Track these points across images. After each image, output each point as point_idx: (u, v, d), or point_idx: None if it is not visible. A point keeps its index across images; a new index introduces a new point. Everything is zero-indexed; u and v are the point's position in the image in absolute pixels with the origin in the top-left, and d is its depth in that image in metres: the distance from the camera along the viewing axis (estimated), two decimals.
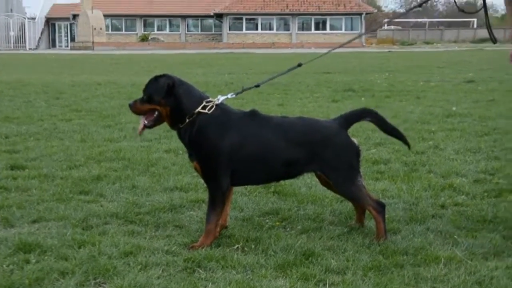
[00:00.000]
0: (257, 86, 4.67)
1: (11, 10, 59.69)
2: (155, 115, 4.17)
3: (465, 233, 4.23)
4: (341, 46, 5.61)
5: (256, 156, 4.11)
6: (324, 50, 5.14)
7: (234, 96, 4.43)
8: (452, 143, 7.44)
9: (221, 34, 62.28)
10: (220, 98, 4.21)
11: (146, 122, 4.20)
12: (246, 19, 61.24)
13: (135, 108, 4.23)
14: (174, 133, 4.33)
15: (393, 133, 4.46)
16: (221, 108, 4.15)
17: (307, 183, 5.47)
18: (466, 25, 62.90)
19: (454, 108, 10.44)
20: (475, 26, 62.69)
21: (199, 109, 4.08)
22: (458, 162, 6.38)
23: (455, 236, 4.16)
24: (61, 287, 3.37)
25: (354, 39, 6.28)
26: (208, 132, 4.08)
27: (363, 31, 59.62)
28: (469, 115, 9.66)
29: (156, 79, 4.15)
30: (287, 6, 60.31)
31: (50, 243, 4.00)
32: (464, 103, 11.13)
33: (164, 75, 4.16)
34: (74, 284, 3.41)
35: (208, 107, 4.10)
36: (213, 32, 64.19)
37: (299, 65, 4.68)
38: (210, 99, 4.17)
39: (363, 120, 4.36)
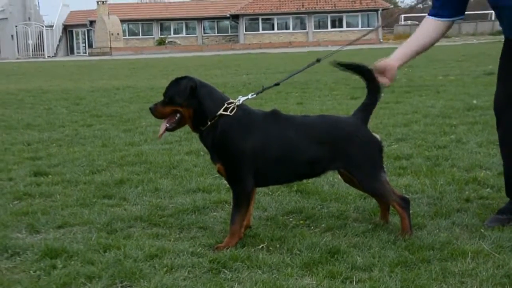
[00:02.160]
0: (277, 84, 4.65)
1: (29, 19, 60.15)
2: (176, 118, 4.15)
3: (491, 227, 4.18)
4: (359, 38, 5.59)
5: (279, 156, 4.09)
6: (343, 48, 5.13)
7: (254, 96, 4.41)
8: (475, 136, 7.37)
9: (237, 35, 62.33)
10: (241, 99, 4.20)
11: (168, 125, 4.18)
12: (262, 19, 61.22)
13: (156, 111, 4.20)
14: (194, 134, 4.33)
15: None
16: (242, 109, 4.13)
17: (330, 180, 5.46)
18: (484, 17, 62.39)
19: (474, 101, 10.35)
20: (492, 18, 62.22)
21: (221, 111, 4.07)
22: (482, 155, 6.33)
23: (481, 230, 4.12)
24: None
25: (370, 32, 6.26)
26: (231, 134, 4.05)
27: (380, 28, 59.31)
28: (491, 108, 9.44)
29: (178, 81, 4.13)
30: (302, 5, 60.21)
31: (76, 248, 4.02)
32: (484, 96, 11.02)
33: (185, 77, 4.14)
34: None
35: (230, 109, 4.09)
36: (229, 34, 64.23)
37: (318, 60, 4.65)
38: (231, 100, 4.15)
39: (372, 95, 4.29)
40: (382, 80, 4.32)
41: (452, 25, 4.45)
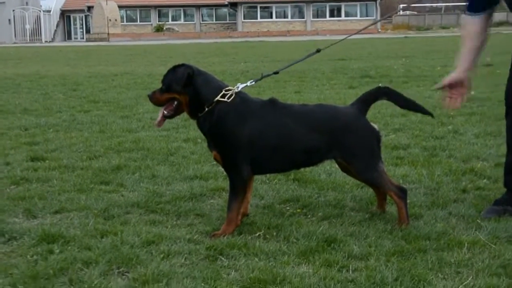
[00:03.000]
0: (276, 73, 4.66)
1: (27, 3, 59.83)
2: (174, 105, 4.15)
3: (488, 217, 4.20)
4: (358, 32, 5.59)
5: (276, 144, 4.09)
6: (340, 37, 5.13)
7: (253, 83, 4.42)
8: (472, 127, 7.39)
9: (235, 23, 62.19)
10: (240, 86, 4.21)
11: (165, 112, 4.19)
12: (261, 7, 61.11)
13: (154, 98, 4.22)
14: (192, 122, 4.33)
15: (411, 107, 4.44)
16: (240, 96, 4.14)
17: (327, 169, 5.46)
18: None
19: (472, 92, 10.29)
20: None
21: (218, 97, 4.07)
22: (479, 146, 6.34)
23: (478, 221, 4.13)
24: (85, 277, 3.38)
25: (372, 24, 6.26)
26: (227, 121, 4.06)
27: (378, 17, 59.26)
28: (488, 99, 9.58)
29: (175, 68, 4.14)
30: None
31: (73, 233, 4.02)
32: (482, 87, 11.00)
33: (182, 65, 4.15)
34: (98, 273, 3.42)
35: (228, 96, 4.09)
36: (227, 21, 64.06)
37: (318, 50, 4.66)
38: (230, 87, 4.16)
39: (380, 100, 4.33)
40: (456, 97, 4.31)
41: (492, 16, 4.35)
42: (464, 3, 4.44)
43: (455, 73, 4.31)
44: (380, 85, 4.41)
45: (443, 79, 4.37)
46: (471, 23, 4.32)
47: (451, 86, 4.32)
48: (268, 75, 4.61)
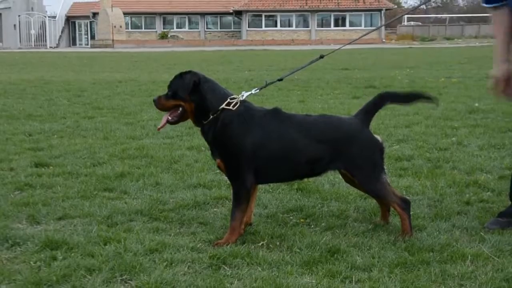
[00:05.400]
0: (280, 79, 4.69)
1: (32, 9, 60.01)
2: (179, 111, 4.17)
3: (491, 230, 4.19)
4: (361, 37, 5.58)
5: (279, 154, 4.11)
6: (345, 47, 5.13)
7: (258, 91, 4.43)
8: (476, 139, 7.38)
9: (240, 31, 62.26)
10: (245, 94, 4.22)
11: (170, 118, 4.20)
12: (265, 16, 61.17)
13: (159, 104, 4.24)
14: (196, 130, 4.34)
15: (415, 97, 4.40)
16: (244, 105, 4.15)
17: (331, 180, 5.46)
18: (487, 20, 62.33)
19: (476, 104, 10.36)
20: None
21: (223, 105, 4.09)
22: (482, 159, 6.33)
23: (481, 233, 4.13)
24: (88, 284, 3.39)
25: (373, 30, 6.28)
26: (231, 129, 4.07)
27: (383, 28, 59.26)
28: (492, 111, 9.58)
29: (182, 75, 4.16)
30: (306, 3, 60.10)
31: (76, 240, 4.03)
32: (486, 99, 11.02)
33: (189, 72, 4.17)
34: (101, 281, 3.43)
35: (232, 104, 4.10)
36: (232, 29, 64.11)
37: (321, 56, 4.67)
38: (234, 95, 4.17)
39: (384, 106, 4.32)
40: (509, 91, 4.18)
41: None
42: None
43: (502, 67, 4.19)
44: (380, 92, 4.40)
45: (493, 76, 4.22)
46: (498, 14, 4.24)
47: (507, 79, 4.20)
48: (273, 83, 4.63)
